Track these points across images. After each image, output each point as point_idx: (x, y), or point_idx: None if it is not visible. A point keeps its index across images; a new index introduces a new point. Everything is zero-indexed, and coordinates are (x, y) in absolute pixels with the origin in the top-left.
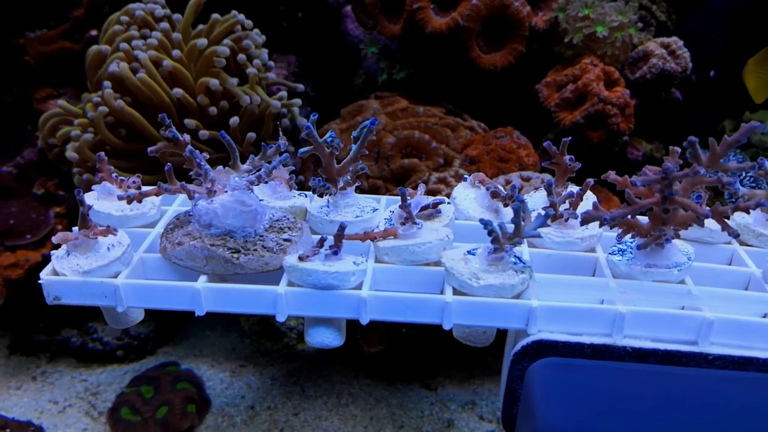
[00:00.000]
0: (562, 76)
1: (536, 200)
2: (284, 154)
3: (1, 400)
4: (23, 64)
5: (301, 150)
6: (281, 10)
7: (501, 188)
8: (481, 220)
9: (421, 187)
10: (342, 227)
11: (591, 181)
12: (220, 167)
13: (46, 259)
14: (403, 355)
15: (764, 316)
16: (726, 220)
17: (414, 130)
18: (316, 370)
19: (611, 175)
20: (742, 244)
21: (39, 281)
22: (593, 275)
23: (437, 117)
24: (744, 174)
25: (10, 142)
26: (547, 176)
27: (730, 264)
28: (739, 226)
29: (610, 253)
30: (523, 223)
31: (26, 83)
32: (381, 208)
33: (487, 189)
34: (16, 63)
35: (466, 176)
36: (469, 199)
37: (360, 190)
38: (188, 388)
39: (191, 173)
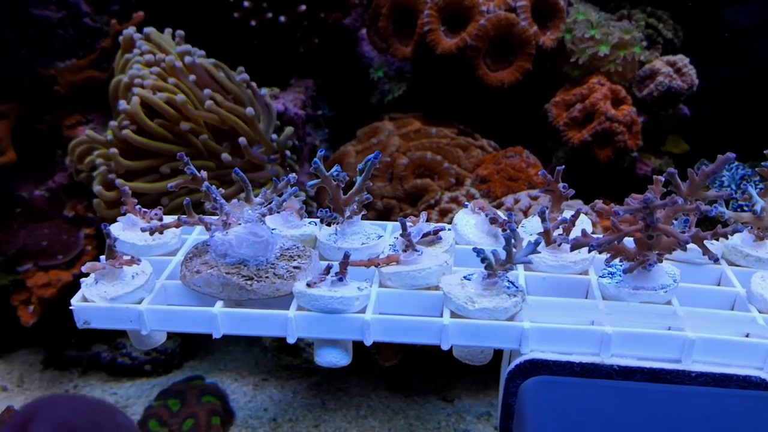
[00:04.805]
0: (570, 96)
1: (534, 224)
2: (294, 187)
3: None
4: (54, 93)
5: (310, 183)
6: (298, 37)
7: (500, 214)
8: (474, 249)
9: (423, 215)
10: (346, 256)
11: (583, 208)
12: (235, 201)
13: (77, 279)
14: (419, 367)
15: (747, 335)
16: (715, 240)
17: (426, 151)
18: (336, 383)
19: (597, 204)
20: (730, 264)
21: (70, 307)
22: (586, 297)
23: (449, 138)
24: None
25: (42, 167)
26: None
27: (719, 284)
28: (728, 247)
29: (600, 276)
30: (514, 250)
31: (57, 111)
32: (386, 235)
33: (486, 215)
34: (47, 92)
35: (466, 203)
36: (469, 225)
37: (375, 209)
38: (213, 401)
39: (208, 206)
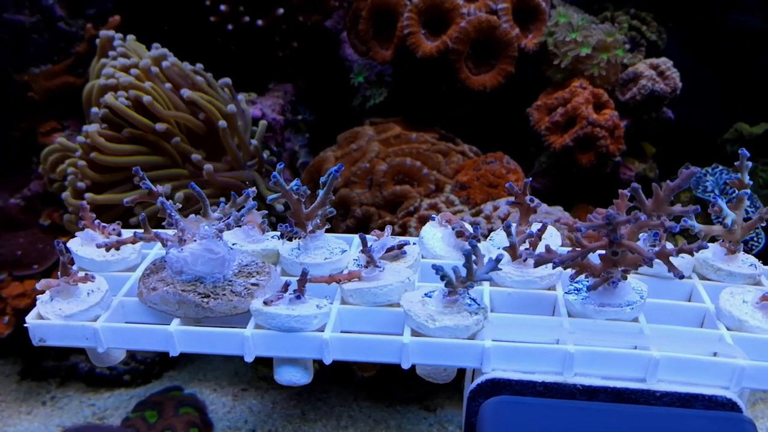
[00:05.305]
0: (552, 100)
1: (503, 237)
2: (253, 202)
3: (12, 425)
4: (28, 100)
5: (270, 197)
6: (276, 41)
7: (467, 227)
8: (433, 266)
9: (388, 229)
10: (304, 273)
11: (548, 220)
12: (192, 216)
13: None
14: (400, 377)
15: (714, 354)
16: (689, 255)
17: (406, 157)
18: (316, 393)
19: (562, 219)
20: (702, 278)
21: (24, 324)
22: (553, 313)
23: (429, 143)
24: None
25: (17, 175)
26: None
27: (690, 299)
28: (699, 261)
29: (566, 293)
30: (475, 266)
31: (31, 118)
32: (352, 249)
33: (453, 228)
34: (21, 98)
35: (433, 215)
36: (436, 238)
37: (354, 216)
38: (191, 413)
39: (165, 222)
